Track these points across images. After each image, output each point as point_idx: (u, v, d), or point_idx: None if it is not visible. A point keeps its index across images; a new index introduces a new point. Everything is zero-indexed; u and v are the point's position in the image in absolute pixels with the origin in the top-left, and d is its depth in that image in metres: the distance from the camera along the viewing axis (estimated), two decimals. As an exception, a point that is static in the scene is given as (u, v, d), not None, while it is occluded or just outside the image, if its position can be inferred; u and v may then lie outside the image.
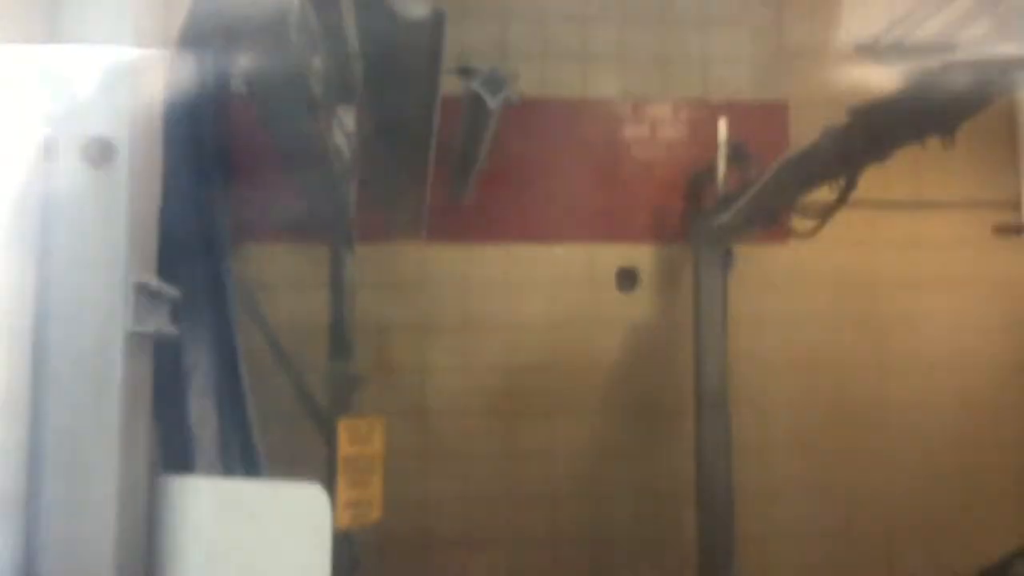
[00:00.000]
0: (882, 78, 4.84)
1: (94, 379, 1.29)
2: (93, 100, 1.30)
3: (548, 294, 5.24)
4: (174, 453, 2.21)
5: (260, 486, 1.52)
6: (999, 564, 3.40)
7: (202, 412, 2.41)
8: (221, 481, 1.54)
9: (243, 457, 2.46)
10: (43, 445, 1.26)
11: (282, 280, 4.95)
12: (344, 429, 4.02)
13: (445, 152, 4.38)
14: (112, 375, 1.29)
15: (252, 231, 4.69)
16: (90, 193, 1.28)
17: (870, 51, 5.24)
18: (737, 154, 4.73)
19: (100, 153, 1.28)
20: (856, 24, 5.24)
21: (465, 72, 3.41)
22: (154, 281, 1.37)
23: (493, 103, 3.34)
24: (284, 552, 1.46)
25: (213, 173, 2.42)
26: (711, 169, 4.85)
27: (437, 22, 2.69)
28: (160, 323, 1.43)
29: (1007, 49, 2.59)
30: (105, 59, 1.31)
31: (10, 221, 1.20)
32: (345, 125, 4.28)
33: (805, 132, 3.86)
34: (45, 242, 1.25)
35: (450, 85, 3.54)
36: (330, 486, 3.88)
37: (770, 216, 4.31)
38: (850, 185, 3.71)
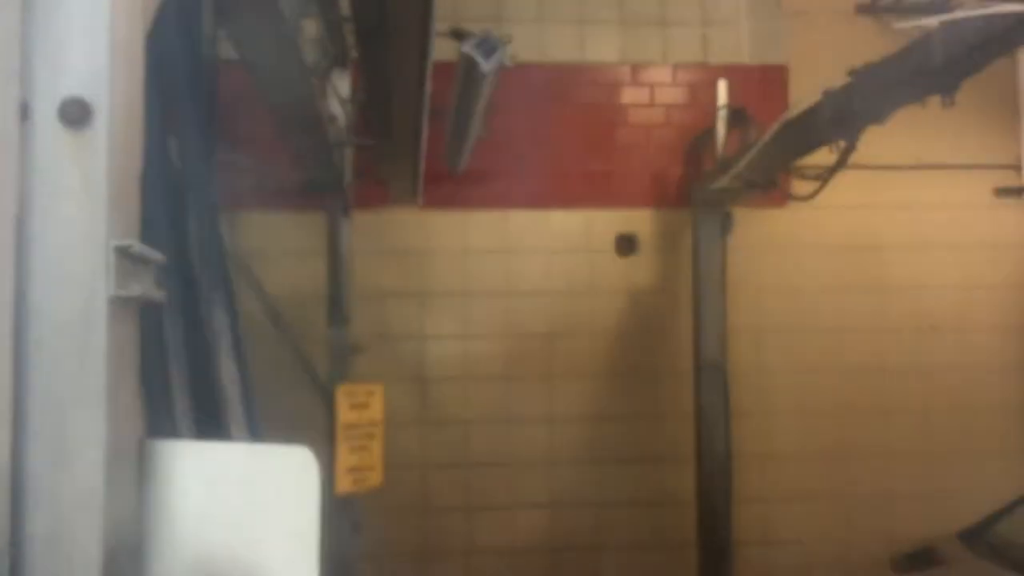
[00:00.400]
0: (882, 39, 4.83)
1: (77, 344, 1.28)
2: (70, 59, 1.27)
3: (547, 260, 5.23)
4: (206, 412, 2.24)
5: (248, 449, 1.52)
6: (978, 525, 3.40)
7: (231, 372, 2.46)
8: (209, 445, 1.54)
9: (249, 419, 2.49)
10: (27, 409, 1.25)
11: (279, 248, 4.95)
12: (343, 396, 4.05)
13: (442, 118, 4.36)
14: (95, 340, 1.28)
15: (249, 199, 4.70)
16: (68, 155, 1.26)
17: (870, 12, 5.20)
18: (737, 118, 4.70)
19: (77, 114, 1.25)
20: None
21: (458, 35, 3.36)
22: (137, 245, 1.35)
23: (486, 66, 3.30)
24: (273, 515, 1.45)
25: (198, 135, 2.40)
26: (710, 133, 4.83)
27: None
28: (145, 287, 1.42)
29: (1006, 6, 2.54)
30: (83, 17, 1.28)
31: None
32: (340, 91, 4.27)
33: (805, 95, 3.83)
34: (23, 207, 1.24)
35: (448, 52, 3.50)
36: (330, 453, 3.92)
37: (769, 179, 4.28)
38: (850, 147, 3.69)
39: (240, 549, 1.44)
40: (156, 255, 1.44)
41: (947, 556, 3.36)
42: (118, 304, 1.31)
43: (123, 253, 1.31)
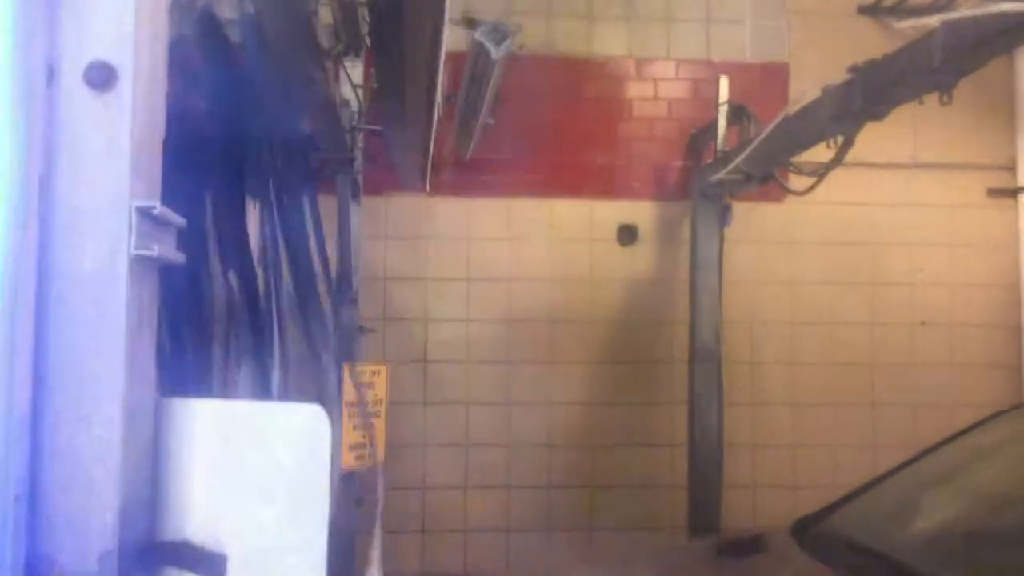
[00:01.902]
0: (883, 39, 4.88)
1: (98, 300, 1.31)
2: (95, 24, 1.30)
3: (549, 248, 5.32)
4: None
5: (261, 406, 1.56)
6: (812, 516, 3.28)
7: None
8: (222, 402, 1.58)
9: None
10: (47, 363, 1.29)
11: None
12: (348, 375, 4.12)
13: (451, 106, 4.43)
14: (116, 297, 1.32)
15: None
16: (92, 117, 1.30)
17: (871, 12, 5.24)
18: (737, 113, 4.76)
19: (102, 77, 1.29)
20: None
21: (469, 22, 3.44)
22: (159, 206, 1.38)
23: (496, 53, 3.38)
24: (285, 471, 1.47)
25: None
26: (711, 128, 4.88)
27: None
28: (164, 248, 1.44)
29: (1007, 6, 2.59)
30: None
31: (13, 147, 1.22)
32: (352, 78, 4.34)
33: (806, 92, 3.88)
34: (47, 166, 1.28)
35: (457, 43, 3.57)
36: (336, 430, 4.00)
37: (767, 173, 4.34)
38: (847, 143, 3.73)
39: (251, 505, 1.46)
40: (177, 218, 1.48)
41: (772, 544, 3.23)
42: (139, 263, 1.35)
43: (145, 214, 1.35)
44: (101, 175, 1.31)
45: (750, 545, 3.31)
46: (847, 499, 3.39)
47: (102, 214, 1.31)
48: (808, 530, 3.13)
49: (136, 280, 1.36)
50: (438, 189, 5.12)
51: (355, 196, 4.57)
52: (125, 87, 1.31)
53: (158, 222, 1.41)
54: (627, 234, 5.36)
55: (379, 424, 4.18)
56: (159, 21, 1.44)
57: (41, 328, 1.29)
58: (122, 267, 1.33)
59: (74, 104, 1.30)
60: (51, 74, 1.28)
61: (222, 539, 1.45)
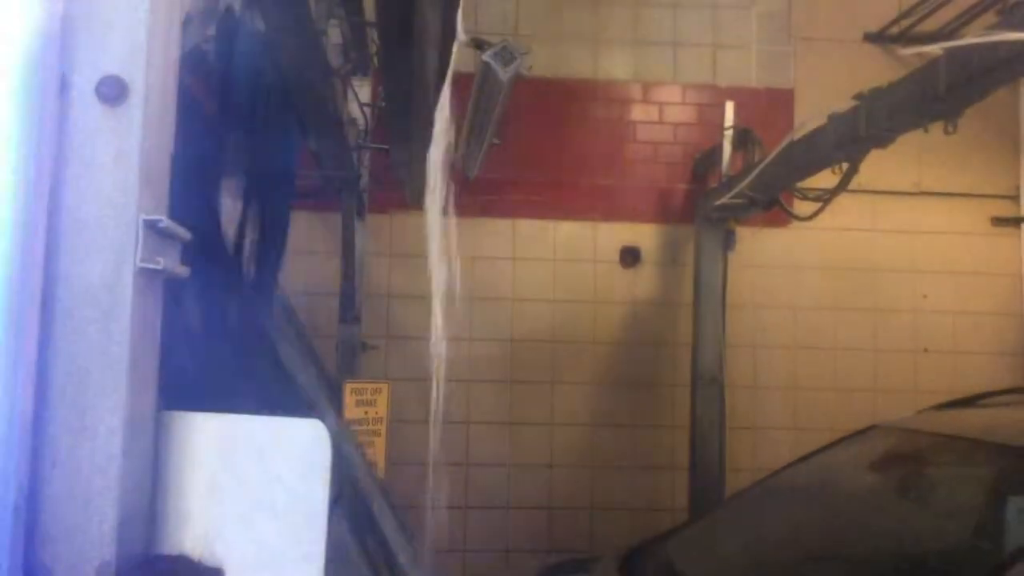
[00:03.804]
0: (888, 67, 4.91)
1: (102, 312, 1.31)
2: (108, 38, 1.31)
3: (552, 268, 5.33)
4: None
5: (262, 421, 1.55)
6: (642, 542, 3.14)
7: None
8: (223, 416, 1.58)
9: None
10: (51, 374, 1.29)
11: (295, 245, 5.03)
12: (350, 392, 4.13)
13: (458, 127, 4.45)
14: (120, 309, 1.32)
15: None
16: (102, 131, 1.31)
17: (877, 40, 5.27)
18: (742, 138, 4.78)
19: (114, 91, 1.30)
20: (865, 13, 5.28)
21: (478, 44, 3.47)
22: (165, 220, 1.38)
23: (504, 75, 3.41)
24: (285, 485, 1.47)
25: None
26: (716, 152, 4.91)
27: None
28: (170, 262, 1.44)
29: (1011, 35, 2.60)
30: None
31: (23, 156, 1.22)
32: (360, 96, 4.37)
33: (811, 118, 3.91)
34: (57, 178, 1.29)
35: (465, 65, 3.60)
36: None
37: (771, 198, 4.35)
38: (852, 170, 3.75)
39: (250, 520, 1.45)
40: (183, 232, 1.48)
41: (594, 570, 3.07)
42: (144, 276, 1.35)
43: (151, 227, 1.35)
44: (109, 188, 1.32)
45: (571, 568, 3.21)
46: (679, 528, 3.28)
47: (109, 226, 1.32)
48: (634, 559, 2.99)
49: (141, 293, 1.36)
50: (444, 208, 5.13)
51: (360, 214, 4.59)
52: (136, 102, 1.32)
53: (164, 235, 1.41)
54: (630, 256, 5.38)
55: (379, 442, 4.19)
56: (172, 37, 1.45)
57: (45, 338, 1.29)
58: (127, 279, 1.33)
59: (85, 117, 1.31)
60: (64, 86, 1.29)
61: (220, 553, 1.44)
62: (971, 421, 2.99)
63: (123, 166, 1.32)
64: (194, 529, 1.47)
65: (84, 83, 1.30)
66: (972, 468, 2.59)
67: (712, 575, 2.69)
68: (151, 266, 1.36)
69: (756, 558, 2.73)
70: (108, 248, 1.32)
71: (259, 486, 1.47)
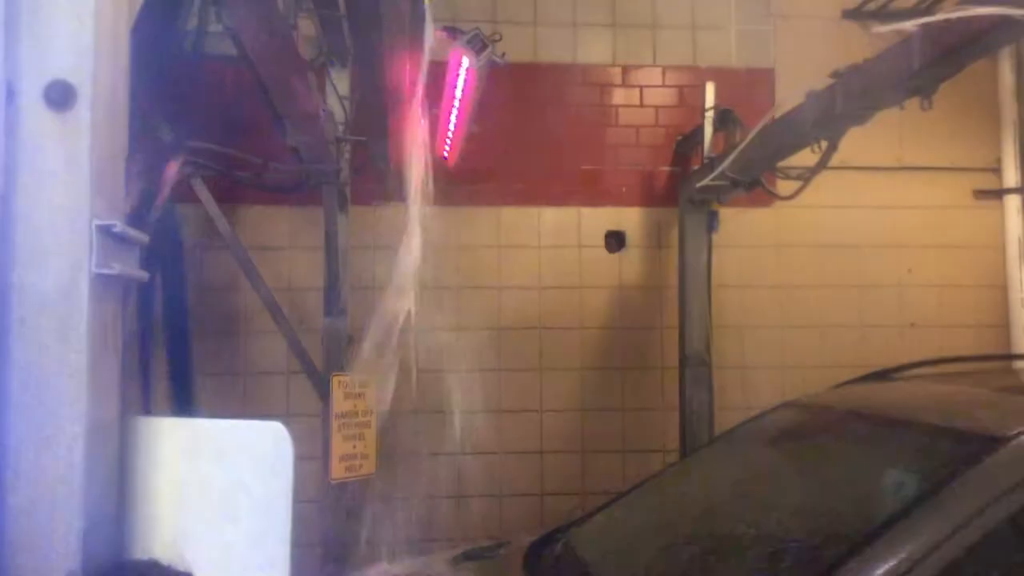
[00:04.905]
0: (867, 43, 4.88)
1: (60, 320, 1.31)
2: (53, 43, 1.30)
3: (537, 255, 5.32)
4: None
5: (226, 425, 1.56)
6: (550, 532, 3.10)
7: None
8: (187, 420, 1.58)
9: None
10: (9, 384, 1.29)
11: (278, 241, 5.04)
12: (337, 385, 4.12)
13: (435, 117, 4.43)
14: (77, 316, 1.31)
15: (249, 194, 4.78)
16: (52, 136, 1.30)
17: (856, 16, 5.25)
18: (723, 119, 4.77)
19: (61, 96, 1.29)
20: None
21: (450, 32, 3.46)
22: (119, 224, 1.38)
23: (476, 62, 3.41)
24: (249, 488, 1.48)
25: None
26: (698, 134, 4.89)
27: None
28: (126, 266, 1.44)
29: (983, 9, 2.60)
30: (69, 1, 1.32)
31: None
32: (339, 89, 4.34)
33: (790, 97, 3.90)
34: (7, 185, 1.28)
35: (439, 54, 3.58)
36: (325, 441, 4.00)
37: (753, 178, 4.34)
38: (832, 147, 3.75)
39: (216, 524, 1.46)
40: (139, 235, 1.48)
41: (500, 555, 3.05)
42: (100, 282, 1.35)
43: (106, 232, 1.35)
44: (61, 194, 1.31)
45: (483, 552, 3.21)
46: (584, 517, 3.24)
47: (62, 233, 1.31)
48: (538, 549, 2.96)
49: (98, 299, 1.36)
50: (427, 199, 5.12)
51: (342, 207, 4.57)
52: (84, 106, 1.31)
53: (120, 240, 1.41)
54: (615, 240, 5.37)
55: (369, 434, 4.18)
56: (120, 41, 1.44)
57: (2, 348, 1.28)
58: (83, 286, 1.32)
59: (33, 123, 1.30)
60: (10, 93, 1.28)
61: (188, 558, 1.45)
62: (874, 396, 3.02)
63: (74, 171, 1.31)
64: (163, 535, 1.47)
65: (31, 89, 1.30)
66: (860, 444, 2.61)
67: (613, 561, 2.69)
68: (107, 271, 1.36)
69: (657, 542, 2.72)
70: (62, 255, 1.31)
71: (224, 490, 1.48)
